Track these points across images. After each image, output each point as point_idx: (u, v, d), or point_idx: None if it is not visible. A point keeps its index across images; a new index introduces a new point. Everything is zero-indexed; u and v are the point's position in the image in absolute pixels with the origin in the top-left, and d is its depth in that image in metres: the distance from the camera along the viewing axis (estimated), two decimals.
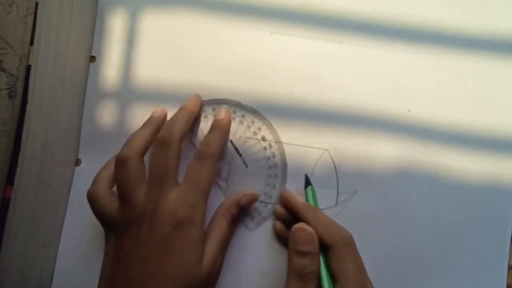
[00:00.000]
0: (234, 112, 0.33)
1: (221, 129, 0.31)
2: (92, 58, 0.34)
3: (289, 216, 0.31)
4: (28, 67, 0.34)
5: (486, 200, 0.32)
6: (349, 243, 0.27)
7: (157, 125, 0.31)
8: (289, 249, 0.27)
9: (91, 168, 0.33)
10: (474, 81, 0.33)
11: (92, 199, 0.29)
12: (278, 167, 0.32)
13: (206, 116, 0.33)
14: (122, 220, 0.28)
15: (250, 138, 0.32)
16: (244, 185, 0.32)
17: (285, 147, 0.32)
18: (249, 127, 0.32)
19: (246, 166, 0.32)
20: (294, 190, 0.32)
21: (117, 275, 0.27)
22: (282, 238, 0.31)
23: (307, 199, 0.30)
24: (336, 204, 0.32)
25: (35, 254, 0.33)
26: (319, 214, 0.29)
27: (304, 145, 0.33)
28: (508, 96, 0.33)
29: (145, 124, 0.31)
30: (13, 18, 0.34)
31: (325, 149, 0.33)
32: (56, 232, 0.33)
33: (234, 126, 0.33)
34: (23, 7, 0.34)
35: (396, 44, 0.33)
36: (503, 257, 0.32)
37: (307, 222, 0.28)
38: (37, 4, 0.34)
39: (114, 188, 0.30)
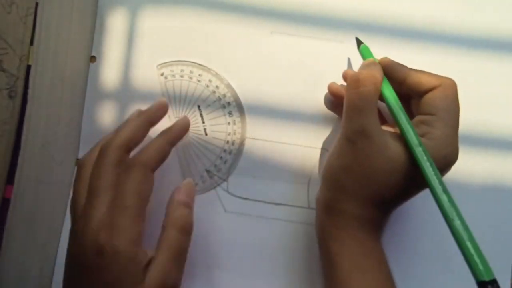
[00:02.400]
0: (210, 81, 0.33)
1: (165, 139, 0.29)
2: (92, 58, 0.34)
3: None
4: (28, 67, 0.34)
5: (489, 201, 0.32)
6: (455, 86, 0.27)
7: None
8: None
9: None
10: (476, 81, 0.33)
11: (78, 167, 0.29)
12: (235, 145, 0.33)
13: (173, 76, 0.33)
14: (75, 220, 0.27)
15: (217, 109, 0.33)
16: (199, 153, 0.33)
17: (248, 128, 0.33)
18: (219, 99, 0.33)
19: (206, 134, 0.33)
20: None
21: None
22: (335, 101, 0.32)
23: (365, 57, 0.30)
24: None
25: (35, 254, 0.33)
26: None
27: (304, 145, 0.33)
28: (509, 96, 0.33)
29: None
30: (13, 18, 0.34)
31: (325, 149, 0.33)
32: (56, 232, 0.33)
33: (205, 93, 0.33)
34: (23, 7, 0.34)
35: (396, 44, 0.33)
36: (507, 258, 0.32)
37: (405, 76, 0.28)
38: (37, 4, 0.34)
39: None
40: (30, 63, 0.34)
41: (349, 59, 0.33)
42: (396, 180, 0.26)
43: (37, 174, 0.34)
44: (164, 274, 0.25)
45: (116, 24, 0.34)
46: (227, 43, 0.34)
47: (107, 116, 0.34)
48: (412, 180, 0.25)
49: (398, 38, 0.33)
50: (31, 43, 0.34)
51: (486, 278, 0.21)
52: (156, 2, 0.34)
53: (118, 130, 0.28)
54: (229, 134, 0.33)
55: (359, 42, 0.31)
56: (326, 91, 0.33)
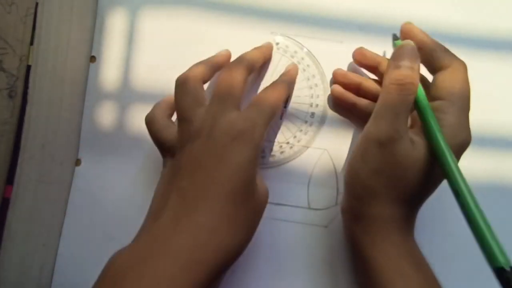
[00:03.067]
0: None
1: (289, 79, 0.31)
2: (92, 58, 0.34)
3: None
4: (28, 67, 0.34)
5: (488, 200, 0.32)
6: (466, 68, 0.27)
7: (217, 63, 0.30)
8: (387, 67, 0.27)
9: (91, 168, 0.33)
10: (475, 81, 0.33)
11: (148, 122, 0.29)
12: (315, 118, 0.33)
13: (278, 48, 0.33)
14: (180, 139, 0.27)
15: (301, 81, 0.33)
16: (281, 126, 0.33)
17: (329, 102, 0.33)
18: (304, 70, 0.33)
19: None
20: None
21: (170, 189, 0.25)
22: (338, 104, 0.32)
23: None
24: (336, 203, 0.32)
25: (35, 254, 0.33)
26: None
27: (304, 145, 0.33)
28: (508, 95, 0.33)
29: (204, 60, 0.30)
30: (13, 18, 0.34)
31: (325, 149, 0.33)
32: (56, 232, 0.33)
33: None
34: (23, 7, 0.34)
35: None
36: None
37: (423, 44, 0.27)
38: (37, 4, 0.34)
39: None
40: (30, 63, 0.34)
41: (384, 52, 0.32)
42: (424, 176, 0.26)
43: (37, 174, 0.34)
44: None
45: (116, 24, 0.34)
46: (227, 44, 0.33)
47: (107, 116, 0.34)
48: (434, 172, 0.26)
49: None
50: (31, 43, 0.34)
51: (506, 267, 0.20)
52: (156, 2, 0.34)
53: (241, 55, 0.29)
54: (311, 105, 0.33)
55: (395, 38, 0.30)
56: (326, 91, 0.33)
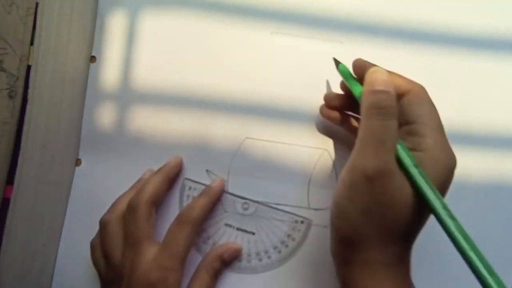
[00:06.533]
0: None
1: (210, 196, 0.31)
2: (92, 58, 0.34)
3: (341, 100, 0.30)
4: (28, 67, 0.34)
5: (488, 200, 0.32)
6: (426, 91, 0.26)
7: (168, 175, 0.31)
8: (363, 96, 0.25)
9: (91, 168, 0.33)
10: (474, 80, 0.33)
11: (91, 248, 0.31)
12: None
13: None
14: (105, 276, 0.30)
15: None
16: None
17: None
18: None
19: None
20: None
21: None
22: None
23: (345, 75, 0.29)
24: None
25: (35, 254, 0.33)
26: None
27: (304, 145, 0.33)
28: (508, 95, 0.33)
29: (135, 183, 0.32)
30: (13, 18, 0.34)
31: (325, 149, 0.33)
32: (56, 232, 0.33)
33: None
34: (23, 7, 0.34)
35: (396, 44, 0.33)
36: (507, 258, 0.32)
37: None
38: (37, 4, 0.34)
39: None
40: (30, 63, 0.34)
41: (327, 81, 0.32)
42: (417, 211, 0.23)
43: (37, 174, 0.34)
44: None
45: (116, 24, 0.34)
46: (227, 44, 0.34)
47: (107, 116, 0.34)
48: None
49: (398, 38, 0.33)
50: (31, 43, 0.34)
51: None
52: (156, 2, 0.34)
53: (140, 188, 0.30)
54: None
55: (337, 62, 0.30)
56: (326, 91, 0.33)
